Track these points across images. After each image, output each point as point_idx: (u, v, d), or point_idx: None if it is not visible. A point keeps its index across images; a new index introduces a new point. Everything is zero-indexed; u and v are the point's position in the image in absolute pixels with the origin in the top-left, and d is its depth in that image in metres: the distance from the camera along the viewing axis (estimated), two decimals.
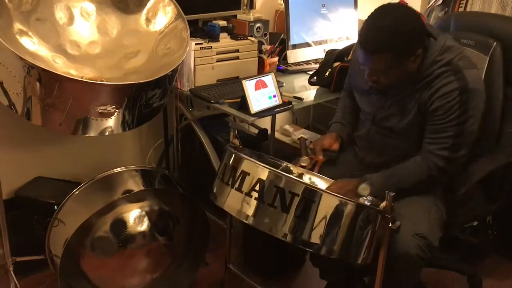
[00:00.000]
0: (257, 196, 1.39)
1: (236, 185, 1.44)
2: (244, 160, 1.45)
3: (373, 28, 1.55)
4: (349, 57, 2.25)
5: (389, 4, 1.60)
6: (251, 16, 2.39)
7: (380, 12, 1.57)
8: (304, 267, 2.32)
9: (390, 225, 1.35)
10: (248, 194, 1.40)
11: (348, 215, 1.36)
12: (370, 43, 1.56)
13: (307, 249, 1.37)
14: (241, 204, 1.42)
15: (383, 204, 1.35)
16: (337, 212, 1.35)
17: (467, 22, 2.02)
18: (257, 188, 1.39)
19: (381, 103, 1.73)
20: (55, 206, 1.96)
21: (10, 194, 2.11)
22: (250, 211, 1.40)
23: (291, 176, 1.41)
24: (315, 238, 1.35)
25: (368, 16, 1.59)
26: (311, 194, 1.35)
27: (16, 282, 1.88)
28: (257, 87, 1.96)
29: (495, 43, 1.87)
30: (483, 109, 1.64)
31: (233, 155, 1.50)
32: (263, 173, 1.40)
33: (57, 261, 1.82)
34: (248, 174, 1.42)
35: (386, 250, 1.39)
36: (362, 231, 1.37)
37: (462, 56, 1.62)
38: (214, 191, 1.53)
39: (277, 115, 2.08)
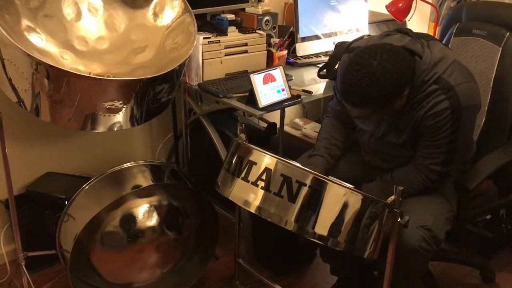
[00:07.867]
0: (263, 186, 1.38)
1: (243, 175, 1.43)
2: (251, 150, 1.45)
3: (350, 82, 1.45)
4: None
5: (367, 50, 1.46)
6: (260, 9, 2.37)
7: (356, 64, 1.44)
8: (314, 262, 2.31)
9: (398, 220, 1.34)
10: (255, 184, 1.40)
11: (355, 206, 1.34)
12: (349, 97, 1.48)
13: (313, 240, 1.36)
14: (247, 194, 1.41)
15: (392, 198, 1.33)
16: (345, 203, 1.34)
17: (479, 12, 1.98)
18: (264, 177, 1.39)
19: (376, 123, 1.69)
20: (66, 201, 1.97)
21: (21, 190, 2.13)
22: (256, 200, 1.39)
23: (299, 165, 1.40)
24: (322, 229, 1.34)
25: (347, 65, 1.49)
26: (319, 184, 1.34)
27: (28, 277, 1.90)
28: (265, 81, 1.94)
29: (508, 33, 1.84)
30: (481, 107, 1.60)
31: (240, 145, 1.49)
32: (271, 162, 1.39)
33: (67, 256, 1.83)
34: (255, 163, 1.42)
35: (395, 245, 1.37)
36: (369, 224, 1.36)
37: (454, 69, 1.53)
38: (219, 181, 1.52)
39: (287, 109, 2.07)
